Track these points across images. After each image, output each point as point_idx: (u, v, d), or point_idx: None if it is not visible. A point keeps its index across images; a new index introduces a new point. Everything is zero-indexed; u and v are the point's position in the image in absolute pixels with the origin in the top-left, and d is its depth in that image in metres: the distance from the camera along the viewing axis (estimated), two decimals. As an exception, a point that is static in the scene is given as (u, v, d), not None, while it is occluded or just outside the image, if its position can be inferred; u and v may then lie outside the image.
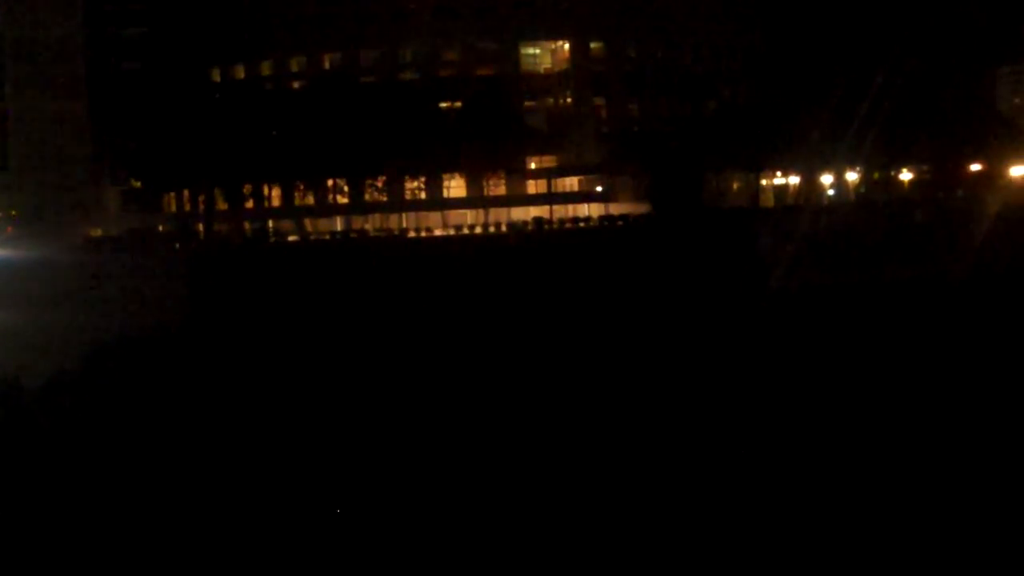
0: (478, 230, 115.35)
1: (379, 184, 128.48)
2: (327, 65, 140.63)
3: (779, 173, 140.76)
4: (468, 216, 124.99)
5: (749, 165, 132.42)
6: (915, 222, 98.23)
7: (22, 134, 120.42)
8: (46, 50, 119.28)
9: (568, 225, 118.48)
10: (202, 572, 15.70)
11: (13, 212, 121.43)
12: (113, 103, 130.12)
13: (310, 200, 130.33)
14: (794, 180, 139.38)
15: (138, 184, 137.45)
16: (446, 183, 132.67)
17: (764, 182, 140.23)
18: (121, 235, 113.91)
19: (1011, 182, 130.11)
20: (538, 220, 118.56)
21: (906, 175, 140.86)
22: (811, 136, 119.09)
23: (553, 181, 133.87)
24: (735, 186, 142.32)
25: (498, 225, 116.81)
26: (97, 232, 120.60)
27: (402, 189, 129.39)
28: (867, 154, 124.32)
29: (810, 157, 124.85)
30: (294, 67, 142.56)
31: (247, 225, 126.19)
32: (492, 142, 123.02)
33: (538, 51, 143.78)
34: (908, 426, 21.31)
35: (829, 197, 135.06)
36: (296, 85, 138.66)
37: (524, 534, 17.12)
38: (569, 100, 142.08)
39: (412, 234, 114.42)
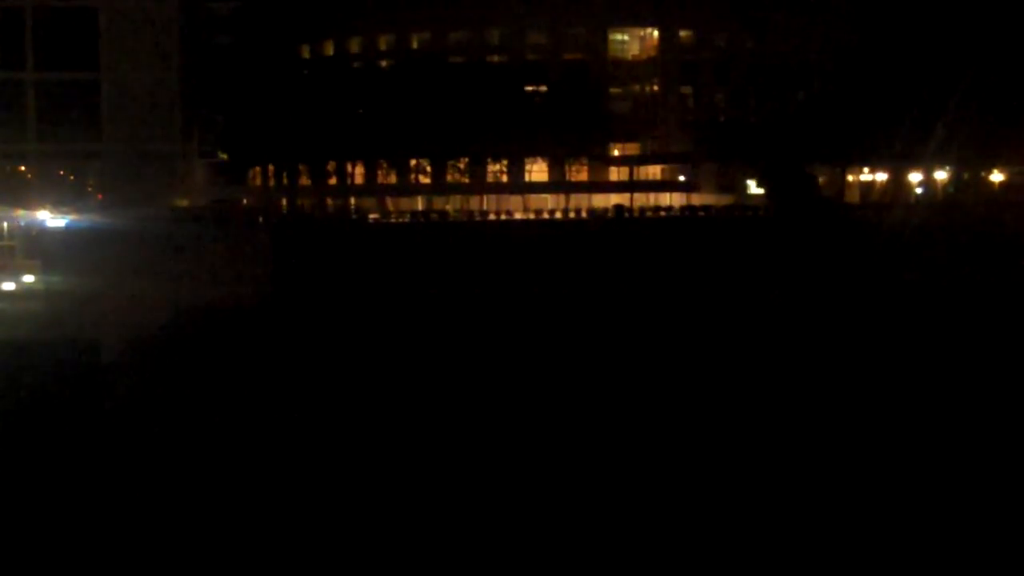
0: (558, 215, 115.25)
1: (461, 166, 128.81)
2: (415, 44, 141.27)
3: (866, 169, 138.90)
4: (548, 201, 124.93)
5: (836, 159, 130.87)
6: (1005, 223, 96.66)
7: (115, 106, 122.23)
8: (141, 23, 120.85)
9: (649, 214, 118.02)
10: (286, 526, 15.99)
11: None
12: (204, 77, 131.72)
13: (392, 179, 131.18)
14: (880, 177, 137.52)
15: (225, 157, 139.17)
16: (528, 167, 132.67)
17: (850, 178, 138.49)
18: (206, 207, 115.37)
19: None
20: (618, 207, 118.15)
21: (997, 176, 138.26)
22: (900, 132, 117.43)
23: (636, 169, 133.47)
24: (821, 180, 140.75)
25: (578, 211, 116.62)
26: (184, 203, 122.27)
27: (484, 172, 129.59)
28: (958, 153, 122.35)
29: (899, 154, 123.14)
30: (382, 45, 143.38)
31: (329, 201, 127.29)
32: (576, 127, 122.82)
33: (626, 37, 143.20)
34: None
35: (917, 196, 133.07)
36: (384, 64, 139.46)
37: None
38: (655, 88, 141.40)
39: (492, 216, 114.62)
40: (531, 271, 55.51)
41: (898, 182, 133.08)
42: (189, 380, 26.60)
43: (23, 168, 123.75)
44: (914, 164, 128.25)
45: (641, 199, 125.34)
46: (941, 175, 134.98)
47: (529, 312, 39.67)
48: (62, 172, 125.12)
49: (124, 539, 15.37)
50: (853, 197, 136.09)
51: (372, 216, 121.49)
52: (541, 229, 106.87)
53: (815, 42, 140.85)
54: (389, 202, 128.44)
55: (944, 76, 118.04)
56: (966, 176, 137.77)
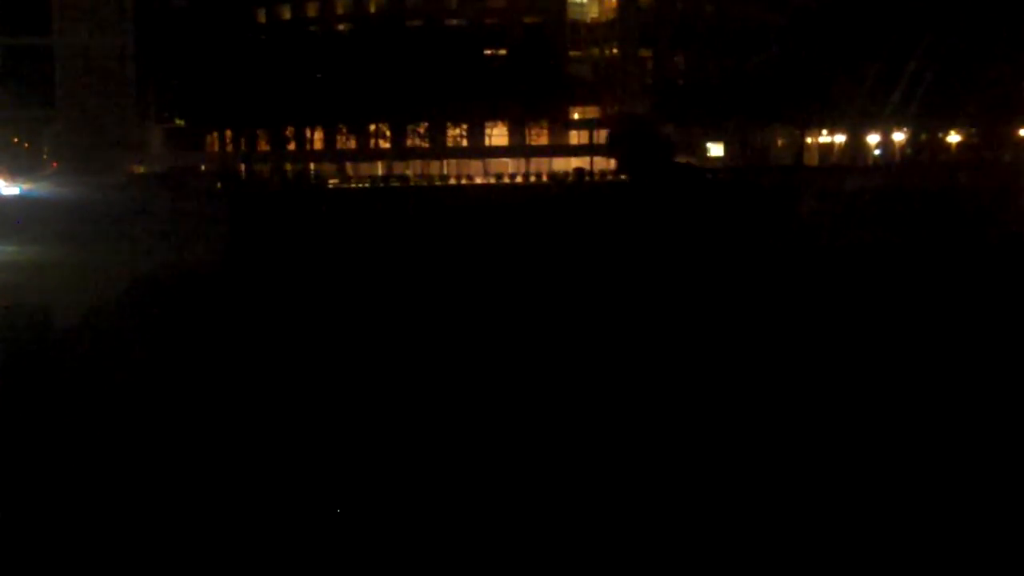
0: (519, 179, 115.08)
1: (421, 130, 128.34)
2: (373, 8, 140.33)
3: (824, 131, 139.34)
4: (509, 165, 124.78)
5: (795, 121, 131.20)
6: (959, 184, 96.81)
7: (68, 71, 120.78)
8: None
9: (609, 177, 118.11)
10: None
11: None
12: (159, 41, 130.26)
13: (352, 144, 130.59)
14: (839, 139, 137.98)
15: (182, 123, 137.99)
16: (488, 131, 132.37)
17: (809, 140, 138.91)
18: (163, 173, 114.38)
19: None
20: (579, 171, 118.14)
21: (953, 137, 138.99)
22: (858, 94, 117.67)
23: (595, 132, 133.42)
24: (780, 143, 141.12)
25: (539, 175, 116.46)
26: (140, 169, 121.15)
27: (444, 136, 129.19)
28: (914, 114, 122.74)
29: (857, 116, 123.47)
30: (339, 9, 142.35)
31: (288, 167, 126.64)
32: (536, 91, 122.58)
33: (585, 0, 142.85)
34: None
35: (875, 157, 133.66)
36: (341, 27, 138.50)
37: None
38: (615, 51, 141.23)
39: (452, 181, 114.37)
40: (489, 235, 55.39)
41: (856, 144, 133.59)
42: (139, 347, 26.25)
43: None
44: (871, 126, 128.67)
45: (601, 163, 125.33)
46: (899, 136, 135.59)
47: (488, 275, 39.51)
48: (16, 139, 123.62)
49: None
50: (812, 160, 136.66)
51: (332, 181, 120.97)
52: (499, 194, 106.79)
53: (772, 3, 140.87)
54: (349, 167, 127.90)
55: (902, 36, 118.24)
56: (923, 137, 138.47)
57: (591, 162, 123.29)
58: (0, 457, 17.63)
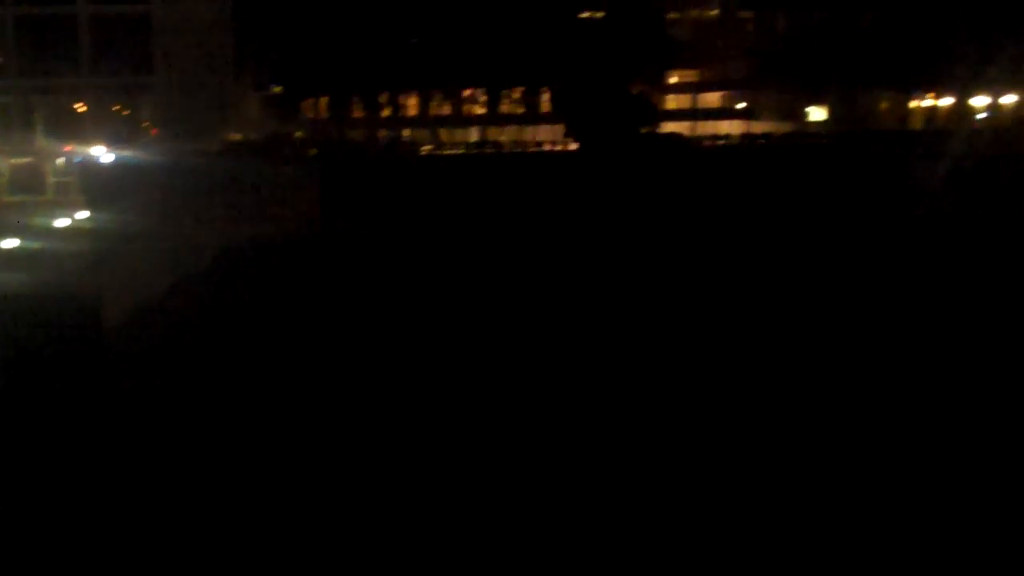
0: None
1: (516, 95, 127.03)
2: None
3: (930, 95, 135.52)
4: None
5: (899, 84, 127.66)
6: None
7: (167, 39, 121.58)
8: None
9: (707, 143, 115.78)
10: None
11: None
12: (256, 8, 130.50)
13: (446, 110, 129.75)
14: (945, 102, 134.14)
15: (279, 90, 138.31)
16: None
17: (913, 104, 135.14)
18: (259, 140, 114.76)
19: None
20: (676, 136, 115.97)
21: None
22: (966, 55, 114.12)
23: (695, 97, 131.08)
24: (883, 107, 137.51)
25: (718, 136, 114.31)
26: (237, 137, 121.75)
27: (538, 101, 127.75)
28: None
29: (964, 77, 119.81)
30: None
31: (382, 133, 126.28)
32: (633, 54, 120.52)
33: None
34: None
35: (980, 120, 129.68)
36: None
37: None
38: (715, 12, 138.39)
39: (547, 147, 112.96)
40: (581, 202, 54.02)
41: (962, 107, 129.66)
42: (224, 321, 25.74)
43: (77, 104, 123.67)
44: (978, 88, 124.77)
45: (700, 127, 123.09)
46: (1008, 99, 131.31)
47: (579, 248, 38.40)
48: (116, 107, 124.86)
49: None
50: (916, 124, 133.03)
51: (425, 148, 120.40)
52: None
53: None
54: (443, 133, 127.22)
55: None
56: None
57: (693, 127, 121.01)
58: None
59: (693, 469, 15.44)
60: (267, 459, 15.28)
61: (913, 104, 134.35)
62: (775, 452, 15.89)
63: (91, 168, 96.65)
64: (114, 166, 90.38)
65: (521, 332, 24.41)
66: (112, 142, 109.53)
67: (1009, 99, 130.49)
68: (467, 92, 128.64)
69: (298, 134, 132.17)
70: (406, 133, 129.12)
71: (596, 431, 16.91)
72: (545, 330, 25.01)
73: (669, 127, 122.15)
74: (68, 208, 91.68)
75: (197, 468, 15.62)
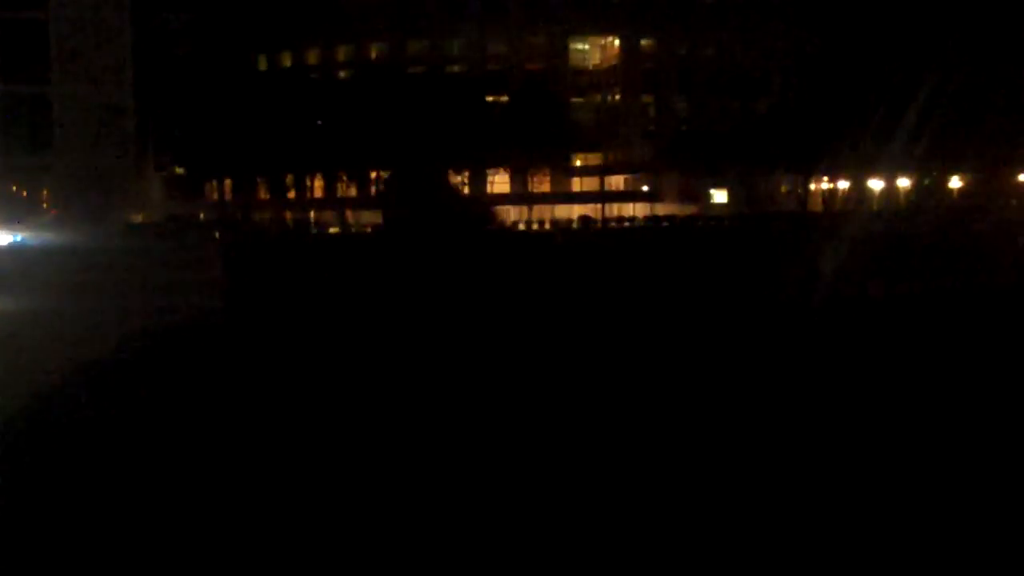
0: (522, 227, 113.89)
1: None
2: (374, 55, 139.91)
3: (826, 178, 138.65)
4: (512, 213, 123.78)
5: (798, 168, 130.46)
6: (970, 230, 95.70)
7: (66, 117, 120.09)
8: (92, 34, 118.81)
9: (612, 225, 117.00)
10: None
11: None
12: (158, 89, 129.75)
13: (353, 192, 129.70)
14: (843, 185, 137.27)
15: (181, 171, 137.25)
16: (491, 178, 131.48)
17: (812, 187, 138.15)
18: (161, 222, 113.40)
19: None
20: (584, 219, 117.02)
21: (955, 183, 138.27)
22: (862, 139, 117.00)
23: (598, 179, 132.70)
24: (783, 190, 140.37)
25: (542, 223, 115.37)
26: (139, 218, 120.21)
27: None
28: (918, 159, 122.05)
29: (860, 161, 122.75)
30: (341, 56, 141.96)
31: (288, 215, 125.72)
32: (539, 138, 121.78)
33: (587, 46, 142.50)
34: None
35: (879, 203, 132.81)
36: (342, 75, 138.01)
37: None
38: (617, 97, 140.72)
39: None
40: (492, 282, 54.11)
41: (860, 190, 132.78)
42: (132, 400, 24.98)
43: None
44: (875, 171, 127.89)
45: (604, 210, 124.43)
46: (903, 183, 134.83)
47: (491, 324, 38.17)
48: (15, 187, 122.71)
49: None
50: (816, 206, 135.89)
51: (332, 229, 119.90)
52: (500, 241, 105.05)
53: (776, 49, 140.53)
54: (349, 214, 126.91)
55: (903, 83, 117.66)
56: (927, 182, 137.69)
57: (601, 209, 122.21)
58: None
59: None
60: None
61: (813, 187, 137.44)
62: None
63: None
64: (11, 248, 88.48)
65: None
66: (10, 224, 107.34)
67: (903, 182, 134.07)
68: (373, 174, 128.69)
69: (201, 215, 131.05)
70: (312, 215, 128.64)
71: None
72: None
73: (576, 210, 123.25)
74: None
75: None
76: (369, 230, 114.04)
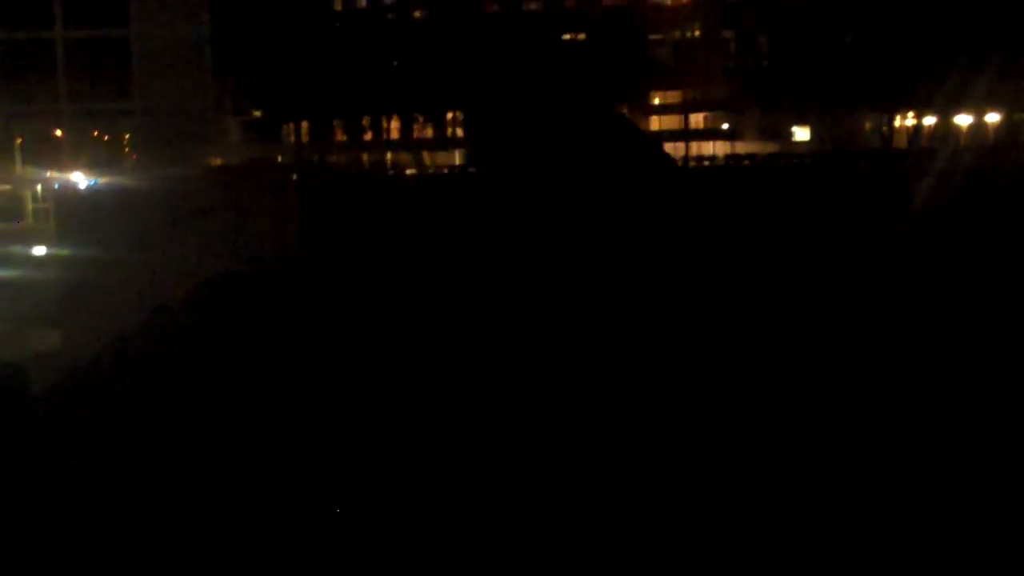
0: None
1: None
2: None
3: (911, 114, 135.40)
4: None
5: (883, 104, 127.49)
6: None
7: (146, 63, 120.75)
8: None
9: (692, 164, 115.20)
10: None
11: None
12: (236, 32, 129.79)
13: (429, 133, 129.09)
14: (928, 121, 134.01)
15: (259, 114, 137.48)
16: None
17: (897, 123, 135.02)
18: (239, 166, 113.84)
19: None
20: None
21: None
22: (949, 74, 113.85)
23: (678, 118, 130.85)
24: (867, 126, 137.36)
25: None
26: (217, 162, 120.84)
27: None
28: (1008, 94, 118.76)
29: (947, 97, 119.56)
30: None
31: (364, 157, 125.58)
32: (617, 75, 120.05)
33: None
34: None
35: (966, 140, 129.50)
36: (418, 14, 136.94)
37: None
38: (697, 32, 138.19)
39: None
40: (570, 227, 53.04)
41: (946, 126, 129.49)
42: (203, 352, 24.73)
43: (56, 130, 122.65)
44: (963, 107, 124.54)
45: (683, 148, 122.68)
46: (992, 117, 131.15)
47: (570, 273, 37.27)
48: (96, 132, 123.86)
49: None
50: (900, 143, 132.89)
51: (409, 171, 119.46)
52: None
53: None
54: (426, 156, 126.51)
55: (995, 10, 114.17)
56: (1016, 117, 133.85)
57: (685, 147, 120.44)
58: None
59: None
60: (244, 504, 14.30)
61: (897, 123, 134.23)
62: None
63: (70, 195, 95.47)
64: (93, 193, 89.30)
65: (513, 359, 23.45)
66: (92, 168, 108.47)
67: (992, 118, 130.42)
68: (449, 115, 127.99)
69: (279, 158, 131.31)
70: (389, 156, 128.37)
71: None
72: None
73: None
74: (48, 236, 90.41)
75: (168, 514, 14.62)
76: (447, 171, 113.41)
